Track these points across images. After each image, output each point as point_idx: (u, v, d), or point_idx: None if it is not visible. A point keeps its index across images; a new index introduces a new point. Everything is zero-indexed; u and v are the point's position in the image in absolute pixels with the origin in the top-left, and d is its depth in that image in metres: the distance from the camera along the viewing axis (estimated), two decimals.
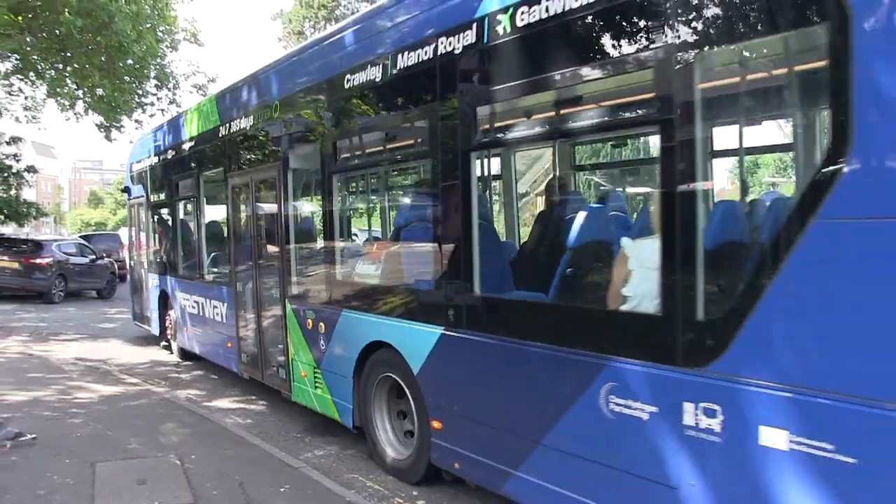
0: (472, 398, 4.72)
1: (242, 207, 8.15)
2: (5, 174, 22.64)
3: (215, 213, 9.24)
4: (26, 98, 22.20)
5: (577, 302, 4.41)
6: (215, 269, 9.20)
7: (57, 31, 17.01)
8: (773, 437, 2.92)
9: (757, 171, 5.11)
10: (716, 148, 4.16)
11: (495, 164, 6.12)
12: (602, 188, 6.84)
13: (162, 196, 10.98)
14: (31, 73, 20.31)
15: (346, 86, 5.79)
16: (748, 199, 3.94)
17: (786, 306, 2.89)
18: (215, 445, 6.14)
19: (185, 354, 10.54)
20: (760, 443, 2.97)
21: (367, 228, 6.96)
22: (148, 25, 18.71)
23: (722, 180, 4.34)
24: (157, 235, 11.45)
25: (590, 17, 3.65)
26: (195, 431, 6.60)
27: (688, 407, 3.25)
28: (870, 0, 2.59)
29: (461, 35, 4.49)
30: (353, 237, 6.90)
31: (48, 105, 22.43)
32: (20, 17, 17.07)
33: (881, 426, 2.58)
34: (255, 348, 7.81)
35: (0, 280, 18.59)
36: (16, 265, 18.36)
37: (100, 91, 18.15)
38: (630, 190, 6.35)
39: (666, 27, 3.29)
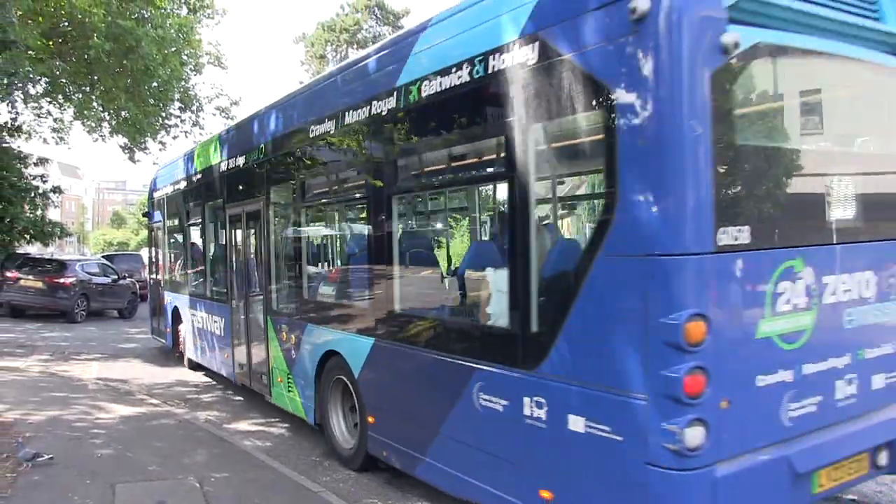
0: (393, 396, 5.73)
1: (237, 234, 9.22)
2: (32, 195, 22.96)
3: (216, 238, 10.35)
4: (55, 120, 22.61)
5: (458, 318, 5.42)
6: (216, 288, 10.14)
7: (86, 55, 17.39)
8: (576, 423, 3.79)
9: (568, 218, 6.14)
10: (542, 198, 5.03)
11: (411, 206, 7.10)
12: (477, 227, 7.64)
13: (174, 222, 12.39)
14: (60, 96, 20.72)
15: (311, 135, 6.80)
16: (556, 239, 4.90)
17: (579, 322, 3.80)
18: (234, 468, 6.13)
19: (193, 364, 11.44)
20: (568, 428, 3.84)
21: (328, 254, 7.95)
22: (173, 49, 19.06)
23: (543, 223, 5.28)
24: (170, 257, 12.87)
25: (459, 95, 4.73)
26: (214, 454, 6.60)
27: (526, 400, 4.15)
28: (628, 104, 3.49)
29: (385, 100, 5.54)
30: (318, 262, 7.81)
31: (75, 126, 22.79)
32: (52, 42, 17.48)
33: (633, 410, 3.48)
34: (246, 358, 8.76)
35: (25, 299, 18.83)
36: (40, 284, 18.59)
37: (124, 113, 18.46)
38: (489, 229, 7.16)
39: (503, 109, 4.35)
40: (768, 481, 3.76)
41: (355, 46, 54.16)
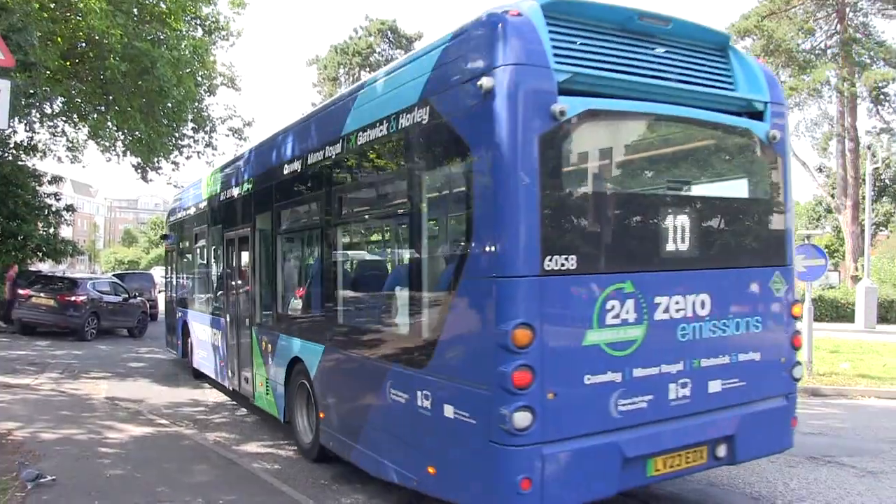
0: (336, 393, 6.77)
1: (231, 256, 10.32)
2: (45, 212, 23.16)
3: (215, 259, 11.34)
4: (69, 140, 22.84)
5: (378, 328, 6.23)
6: (215, 304, 11.21)
7: (101, 76, 17.58)
8: (448, 410, 4.78)
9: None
10: (431, 233, 5.72)
11: (351, 235, 7.69)
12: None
13: (185, 244, 13.83)
14: (75, 116, 20.94)
15: (284, 173, 7.92)
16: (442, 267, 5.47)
17: (450, 330, 4.86)
18: (243, 491, 6.10)
19: (196, 374, 12.58)
20: (443, 415, 4.82)
21: (296, 274, 8.61)
22: (188, 70, 19.22)
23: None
24: (181, 276, 14.22)
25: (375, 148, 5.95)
26: (223, 475, 6.58)
27: (418, 394, 5.13)
28: (479, 159, 4.54)
29: (334, 146, 6.62)
30: (289, 280, 8.54)
31: (88, 145, 23.02)
32: (69, 63, 17.70)
33: (481, 399, 4.47)
34: (237, 366, 9.84)
35: (36, 316, 18.90)
36: (51, 302, 18.65)
37: (138, 133, 18.62)
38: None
39: (408, 158, 5.45)
40: (596, 461, 4.66)
41: (368, 69, 54.64)
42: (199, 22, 20.83)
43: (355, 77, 55.24)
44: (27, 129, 21.44)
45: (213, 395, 11.18)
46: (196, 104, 21.31)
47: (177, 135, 21.86)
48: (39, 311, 18.78)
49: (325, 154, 6.85)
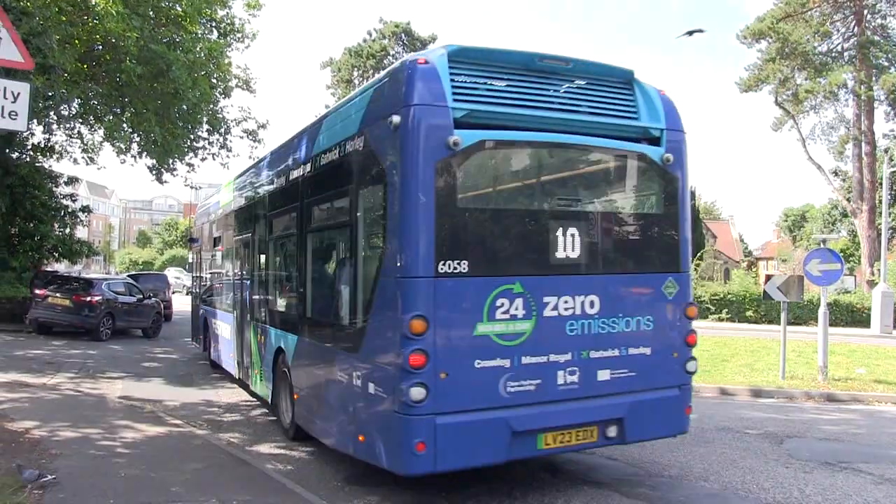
0: (305, 376, 7.77)
1: (236, 258, 11.61)
2: (62, 213, 23.36)
3: (226, 260, 12.70)
4: (83, 142, 23.03)
5: (331, 319, 7.01)
6: (225, 301, 12.42)
7: (117, 78, 17.73)
8: (371, 387, 5.78)
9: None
10: (366, 241, 6.47)
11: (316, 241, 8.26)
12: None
13: (206, 246, 15.19)
14: (91, 118, 21.11)
15: (271, 186, 9.33)
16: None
17: (374, 321, 5.81)
18: (256, 492, 6.12)
19: (214, 365, 13.65)
20: (368, 391, 5.83)
21: (281, 274, 9.42)
22: (203, 73, 19.34)
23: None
24: (202, 275, 15.74)
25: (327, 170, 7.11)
26: (236, 476, 6.60)
27: (354, 374, 6.14)
28: (391, 181, 5.59)
29: (304, 166, 7.88)
30: (277, 280, 9.43)
31: (104, 147, 23.21)
32: (86, 66, 17.86)
33: (389, 377, 5.46)
34: (241, 356, 10.90)
35: (52, 316, 19.05)
36: (67, 302, 18.80)
37: (153, 135, 18.74)
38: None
39: (351, 178, 6.45)
40: (485, 432, 5.53)
41: (380, 73, 54.74)
42: (214, 24, 20.98)
43: (369, 79, 55.33)
44: (45, 131, 21.65)
45: (226, 396, 11.23)
46: (211, 106, 21.42)
47: (192, 136, 22.00)
48: (55, 311, 18.93)
49: (299, 172, 8.03)
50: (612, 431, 6.11)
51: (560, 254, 5.90)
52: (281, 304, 9.01)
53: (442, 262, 5.37)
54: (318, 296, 7.66)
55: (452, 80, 5.57)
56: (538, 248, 5.91)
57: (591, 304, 5.98)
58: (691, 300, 6.65)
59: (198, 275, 16.26)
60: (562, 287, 5.87)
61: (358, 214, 6.29)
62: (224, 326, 12.33)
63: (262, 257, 9.83)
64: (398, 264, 5.40)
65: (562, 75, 6.16)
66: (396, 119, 5.45)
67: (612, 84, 6.43)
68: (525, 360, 5.66)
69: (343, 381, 6.39)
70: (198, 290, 16.08)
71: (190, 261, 18.44)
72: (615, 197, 6.79)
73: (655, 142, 6.42)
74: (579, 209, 6.33)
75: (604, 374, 6.03)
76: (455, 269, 5.43)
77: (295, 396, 7.97)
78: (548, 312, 5.77)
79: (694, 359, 6.59)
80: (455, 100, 5.50)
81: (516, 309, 5.63)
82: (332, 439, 6.88)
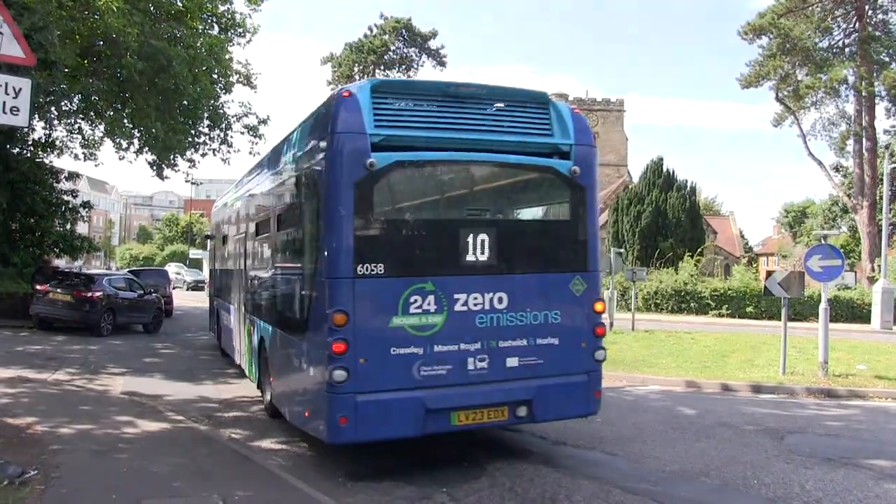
0: (276, 360, 8.68)
1: (237, 255, 12.47)
2: (62, 209, 23.32)
3: (230, 257, 13.59)
4: (84, 137, 23.00)
5: (289, 311, 7.91)
6: (229, 295, 13.39)
7: (118, 74, 17.70)
8: (312, 369, 6.78)
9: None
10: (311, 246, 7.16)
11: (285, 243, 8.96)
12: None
13: (217, 244, 16.44)
14: (92, 113, 21.07)
15: (253, 194, 10.62)
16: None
17: (313, 314, 6.71)
18: (258, 487, 6.14)
19: (224, 354, 14.53)
20: (310, 374, 6.82)
21: (264, 272, 9.98)
22: (204, 68, 19.30)
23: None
24: (214, 270, 17.27)
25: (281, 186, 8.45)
26: (238, 472, 6.63)
27: (302, 357, 7.15)
28: (322, 196, 6.50)
29: (270, 180, 9.22)
30: (261, 277, 10.07)
31: (105, 143, 23.18)
32: (86, 61, 17.83)
33: (323, 360, 6.34)
34: (240, 345, 11.81)
35: (53, 312, 19.04)
36: (68, 298, 18.78)
37: (154, 130, 18.71)
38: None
39: (296, 194, 7.71)
40: (401, 409, 6.40)
41: (382, 68, 54.66)
42: (215, 20, 20.94)
43: (370, 75, 55.26)
44: (45, 126, 21.61)
45: (227, 392, 11.24)
46: (212, 102, 21.37)
47: (193, 132, 21.95)
48: (56, 307, 18.92)
49: (266, 186, 9.45)
50: (522, 411, 6.90)
51: (470, 257, 6.72)
52: (261, 298, 9.89)
53: (360, 265, 6.29)
54: (283, 292, 8.45)
55: (375, 109, 6.44)
56: (449, 253, 6.71)
57: (500, 300, 6.79)
58: (600, 296, 7.46)
59: (211, 269, 18.24)
60: (471, 285, 6.70)
61: (303, 224, 7.25)
62: (228, 318, 13.43)
63: (250, 256, 10.96)
64: (326, 267, 6.38)
65: (479, 100, 7.03)
66: (323, 144, 6.50)
67: (529, 106, 7.25)
68: (437, 348, 6.52)
69: (296, 365, 7.46)
70: (212, 285, 17.92)
71: (207, 256, 20.28)
72: (525, 205, 7.85)
73: (566, 156, 7.16)
74: (489, 217, 7.20)
75: (512, 361, 6.83)
76: (372, 271, 6.33)
77: (271, 380, 8.93)
78: (458, 308, 6.62)
79: (602, 348, 7.35)
80: (376, 126, 6.38)
81: (429, 304, 6.50)
82: (291, 415, 7.81)
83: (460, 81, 6.83)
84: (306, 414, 7.03)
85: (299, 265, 7.46)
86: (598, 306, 7.31)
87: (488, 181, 7.43)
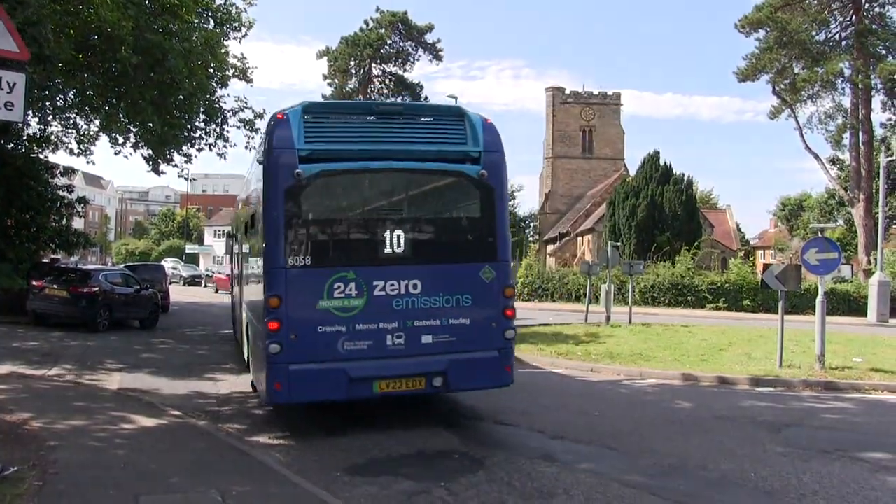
0: (252, 340, 9.73)
1: (243, 251, 13.04)
2: (58, 204, 23.21)
3: (240, 253, 14.16)
4: (79, 132, 22.87)
5: (253, 300, 9.22)
6: (234, 290, 15.30)
7: (113, 68, 17.58)
8: (261, 344, 7.96)
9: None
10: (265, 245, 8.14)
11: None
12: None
13: (235, 243, 16.68)
14: (87, 108, 20.95)
15: (241, 205, 12.05)
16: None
17: (263, 302, 7.77)
18: (257, 482, 6.13)
19: (237, 342, 15.16)
20: (259, 347, 8.16)
21: (252, 269, 10.84)
22: (199, 62, 19.18)
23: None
24: (232, 266, 18.71)
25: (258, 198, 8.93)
26: (236, 467, 6.61)
27: (258, 335, 8.33)
28: (265, 202, 7.92)
29: (252, 188, 10.31)
30: (251, 273, 10.89)
31: (100, 138, 23.06)
32: (81, 56, 17.72)
33: (266, 336, 7.59)
34: (243, 332, 12.55)
35: (49, 307, 18.97)
36: (64, 293, 18.71)
37: (150, 125, 18.61)
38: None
39: (259, 205, 8.42)
40: (328, 377, 7.58)
41: (378, 61, 54.49)
42: (210, 13, 20.78)
43: (366, 69, 55.10)
44: (40, 121, 21.49)
45: (224, 387, 11.23)
46: (208, 96, 21.24)
47: (189, 127, 21.82)
48: (52, 303, 18.84)
49: (245, 191, 11.55)
50: (438, 382, 7.94)
51: (388, 250, 7.89)
52: (243, 291, 11.71)
53: (291, 257, 7.57)
54: (251, 284, 10.19)
55: (306, 127, 7.68)
56: (369, 246, 7.98)
57: (415, 287, 7.87)
58: (510, 283, 8.51)
59: (231, 266, 20.40)
60: (389, 274, 7.83)
61: (257, 225, 8.64)
62: (240, 309, 14.56)
63: (241, 254, 12.73)
64: (265, 260, 7.73)
65: (399, 115, 8.41)
66: (262, 159, 7.90)
67: (446, 119, 8.50)
68: (359, 326, 7.66)
69: (255, 343, 8.81)
70: (231, 280, 20.29)
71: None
72: (438, 205, 8.82)
73: (476, 161, 8.19)
74: (405, 216, 8.35)
75: (427, 339, 7.89)
76: (301, 262, 7.60)
77: (250, 357, 10.29)
78: (377, 293, 7.74)
79: (513, 328, 8.34)
80: (306, 141, 7.63)
81: (350, 290, 7.65)
82: (255, 384, 9.38)
83: (379, 101, 8.31)
84: (259, 382, 8.40)
85: (258, 259, 8.61)
86: (508, 291, 8.33)
87: (405, 185, 8.49)
